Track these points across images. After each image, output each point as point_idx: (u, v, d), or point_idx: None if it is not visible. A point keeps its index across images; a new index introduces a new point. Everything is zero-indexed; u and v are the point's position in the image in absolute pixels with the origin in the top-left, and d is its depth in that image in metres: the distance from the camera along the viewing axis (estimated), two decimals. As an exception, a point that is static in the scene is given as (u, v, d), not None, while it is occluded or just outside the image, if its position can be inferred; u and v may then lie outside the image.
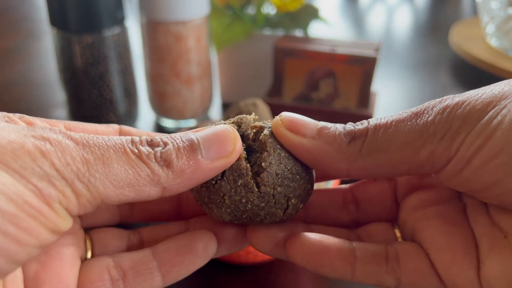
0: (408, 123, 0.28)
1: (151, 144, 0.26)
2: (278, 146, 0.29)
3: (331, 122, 0.31)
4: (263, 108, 0.59)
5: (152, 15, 0.64)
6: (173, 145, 0.26)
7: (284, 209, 0.30)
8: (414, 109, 0.28)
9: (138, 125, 0.74)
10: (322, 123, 0.30)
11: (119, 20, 0.63)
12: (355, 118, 0.65)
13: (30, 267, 0.26)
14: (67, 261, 0.28)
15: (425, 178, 0.34)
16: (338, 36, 1.18)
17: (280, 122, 0.30)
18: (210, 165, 0.26)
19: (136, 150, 0.25)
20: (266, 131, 0.30)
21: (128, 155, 0.25)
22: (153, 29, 0.65)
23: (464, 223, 0.31)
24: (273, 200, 0.29)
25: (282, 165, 0.29)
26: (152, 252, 0.30)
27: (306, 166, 0.30)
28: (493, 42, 0.98)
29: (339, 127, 0.30)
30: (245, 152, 0.30)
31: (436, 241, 0.30)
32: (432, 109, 0.27)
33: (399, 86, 0.95)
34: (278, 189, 0.29)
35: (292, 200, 0.30)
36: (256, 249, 0.31)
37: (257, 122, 0.31)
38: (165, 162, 0.25)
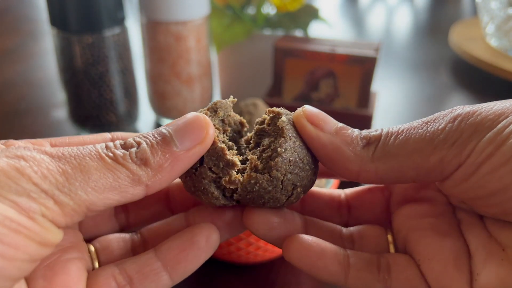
0: (419, 130, 0.29)
1: (125, 146, 0.26)
2: (294, 135, 0.30)
3: None
4: (263, 108, 0.59)
5: (152, 15, 0.64)
6: (147, 143, 0.27)
7: (288, 196, 0.30)
8: (424, 119, 0.29)
9: (138, 125, 0.74)
10: (342, 124, 0.31)
11: (119, 20, 0.64)
12: (355, 118, 0.65)
13: (37, 284, 0.27)
14: (73, 275, 0.28)
15: (421, 190, 0.35)
16: (338, 36, 1.18)
17: (302, 112, 0.31)
18: (186, 154, 0.27)
19: (111, 154, 0.26)
20: (284, 118, 0.31)
21: (104, 159, 0.25)
22: (153, 29, 0.65)
23: (457, 236, 0.31)
24: (281, 185, 0.29)
25: (295, 153, 0.30)
26: (155, 253, 0.30)
27: (315, 158, 0.31)
28: (493, 42, 0.98)
29: (356, 131, 0.31)
30: (226, 134, 0.32)
31: (428, 252, 0.31)
32: (442, 118, 0.29)
33: (399, 86, 0.95)
34: (288, 176, 0.29)
35: (298, 189, 0.30)
36: (250, 231, 0.32)
37: (275, 108, 0.32)
38: (142, 160, 0.26)
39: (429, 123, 0.29)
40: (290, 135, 0.30)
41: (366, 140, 0.30)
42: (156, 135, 0.27)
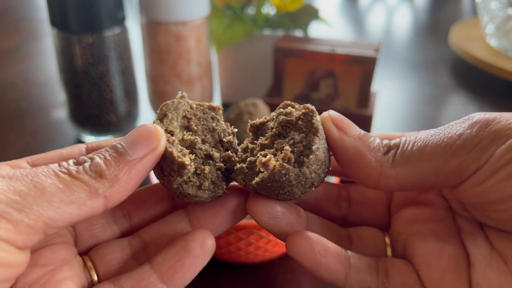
0: (436, 137, 0.29)
1: (78, 162, 0.27)
2: (324, 136, 0.31)
3: None
4: (263, 108, 0.59)
5: (153, 16, 0.64)
6: (99, 157, 0.27)
7: (303, 193, 0.31)
8: (440, 127, 0.30)
9: (138, 125, 0.74)
10: (364, 131, 0.32)
11: (120, 21, 0.63)
12: (355, 118, 0.65)
13: None
14: None
15: (422, 194, 0.36)
16: (338, 36, 1.18)
17: (328, 115, 0.31)
18: (140, 162, 0.27)
19: (65, 170, 0.26)
20: (318, 117, 0.31)
21: (59, 175, 0.25)
22: (154, 29, 0.65)
23: (457, 244, 0.32)
24: (304, 182, 0.30)
25: (323, 154, 0.30)
26: (150, 266, 0.30)
27: (330, 160, 0.32)
28: (493, 42, 0.98)
29: (378, 139, 0.31)
30: (190, 129, 0.32)
31: (427, 258, 0.31)
32: (460, 125, 0.29)
33: (399, 86, 0.95)
34: (313, 175, 0.30)
35: (313, 188, 0.31)
36: (253, 219, 0.32)
37: (309, 104, 0.32)
38: (97, 173, 0.26)
39: (445, 130, 0.30)
40: (322, 135, 0.30)
41: (387, 147, 0.31)
42: (108, 149, 0.27)
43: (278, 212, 0.32)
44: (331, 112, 0.32)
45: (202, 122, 0.33)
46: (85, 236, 0.32)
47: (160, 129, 0.29)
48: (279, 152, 0.31)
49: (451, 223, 0.34)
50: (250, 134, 0.34)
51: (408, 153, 0.30)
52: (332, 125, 0.31)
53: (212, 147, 0.33)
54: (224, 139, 0.33)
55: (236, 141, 0.34)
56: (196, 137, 0.32)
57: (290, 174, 0.29)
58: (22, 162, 0.30)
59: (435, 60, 1.08)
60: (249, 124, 0.34)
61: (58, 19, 0.61)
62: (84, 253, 0.32)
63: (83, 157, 0.27)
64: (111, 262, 0.31)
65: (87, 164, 0.26)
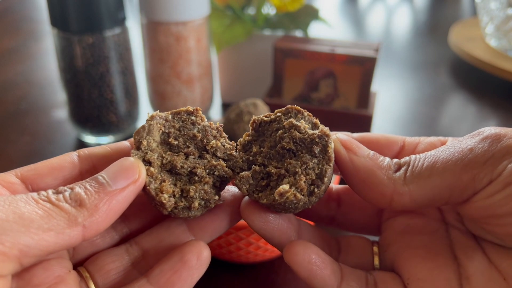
0: (446, 152, 0.30)
1: (58, 191, 0.26)
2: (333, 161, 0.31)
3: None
4: (263, 108, 0.59)
5: (153, 16, 0.64)
6: (79, 186, 0.27)
7: (300, 211, 0.31)
8: (449, 143, 0.31)
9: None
10: (374, 152, 0.32)
11: (120, 21, 0.64)
12: (355, 118, 0.66)
13: None
14: None
15: None
16: (338, 37, 1.18)
17: (336, 138, 0.32)
18: (121, 193, 0.27)
19: (44, 197, 0.26)
20: (332, 144, 0.31)
21: (38, 202, 0.25)
22: (154, 29, 0.65)
23: (449, 257, 0.32)
24: (304, 206, 0.30)
25: (331, 179, 0.31)
26: (147, 280, 0.30)
27: None
28: (493, 42, 0.98)
29: (387, 158, 0.32)
30: (171, 150, 0.31)
31: (418, 272, 0.31)
32: (470, 139, 0.30)
33: (398, 86, 0.95)
34: (315, 199, 0.30)
35: (310, 206, 0.31)
36: (247, 223, 0.32)
37: (324, 127, 0.31)
38: (77, 202, 0.26)
39: (455, 145, 0.30)
40: (333, 162, 0.30)
41: (397, 165, 0.31)
42: (89, 180, 0.27)
43: (271, 217, 0.32)
44: (339, 135, 0.32)
45: (182, 132, 0.32)
46: (84, 244, 0.32)
47: (140, 164, 0.29)
48: (289, 175, 0.31)
49: (444, 236, 0.34)
50: (251, 128, 0.33)
51: (420, 169, 0.30)
52: (341, 147, 0.31)
53: (199, 157, 0.32)
54: (207, 147, 0.32)
55: (223, 138, 0.33)
56: (176, 157, 0.31)
57: (300, 203, 0.30)
58: (10, 176, 0.29)
59: (434, 60, 1.08)
60: (252, 119, 0.33)
61: (58, 19, 0.61)
62: (82, 262, 0.31)
63: (63, 187, 0.27)
64: (110, 272, 0.31)
65: (67, 193, 0.26)
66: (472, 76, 0.98)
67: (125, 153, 0.32)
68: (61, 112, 0.81)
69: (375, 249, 0.35)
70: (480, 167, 0.28)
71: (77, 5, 0.60)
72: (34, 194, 0.26)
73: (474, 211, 0.30)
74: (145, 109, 0.78)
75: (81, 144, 0.71)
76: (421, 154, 0.31)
